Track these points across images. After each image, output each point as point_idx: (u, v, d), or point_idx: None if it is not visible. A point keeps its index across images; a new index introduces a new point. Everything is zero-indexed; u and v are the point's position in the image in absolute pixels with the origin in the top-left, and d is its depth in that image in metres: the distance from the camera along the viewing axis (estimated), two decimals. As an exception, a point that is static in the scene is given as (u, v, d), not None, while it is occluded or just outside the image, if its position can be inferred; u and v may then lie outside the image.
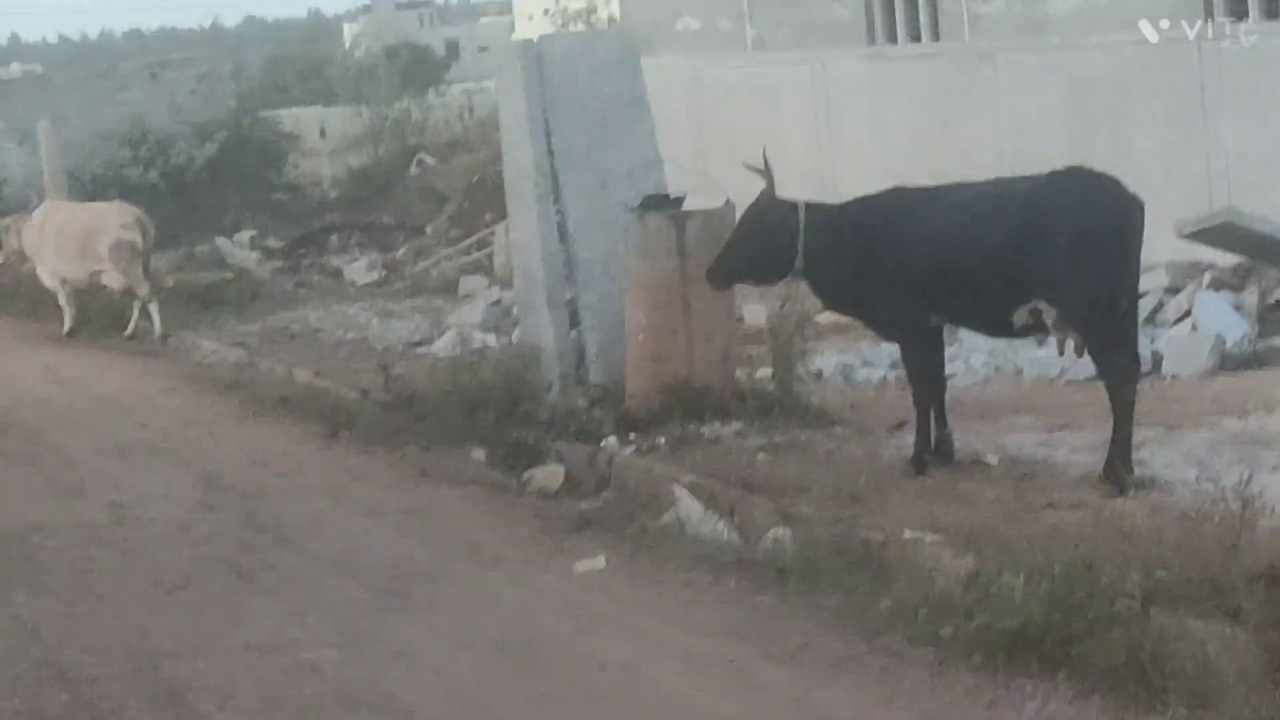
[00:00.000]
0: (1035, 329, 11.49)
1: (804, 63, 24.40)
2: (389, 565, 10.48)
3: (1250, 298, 15.74)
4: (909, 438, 12.54)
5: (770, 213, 11.84)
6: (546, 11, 51.12)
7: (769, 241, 11.84)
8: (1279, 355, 14.78)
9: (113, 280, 21.83)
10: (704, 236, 13.09)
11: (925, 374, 11.92)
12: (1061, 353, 11.59)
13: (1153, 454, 11.45)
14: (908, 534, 9.79)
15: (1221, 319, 15.01)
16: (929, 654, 7.90)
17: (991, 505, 10.54)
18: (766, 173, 11.84)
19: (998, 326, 11.86)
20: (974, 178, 12.00)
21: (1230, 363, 14.46)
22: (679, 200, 13.36)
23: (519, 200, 14.30)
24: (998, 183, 12.00)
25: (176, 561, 10.97)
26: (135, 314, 21.90)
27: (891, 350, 15.75)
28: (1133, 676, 7.18)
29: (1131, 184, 10.83)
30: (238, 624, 9.47)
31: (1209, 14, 19.30)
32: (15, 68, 49.69)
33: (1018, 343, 14.63)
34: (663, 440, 12.85)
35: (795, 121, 23.38)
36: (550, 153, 13.91)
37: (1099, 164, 16.90)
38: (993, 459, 11.91)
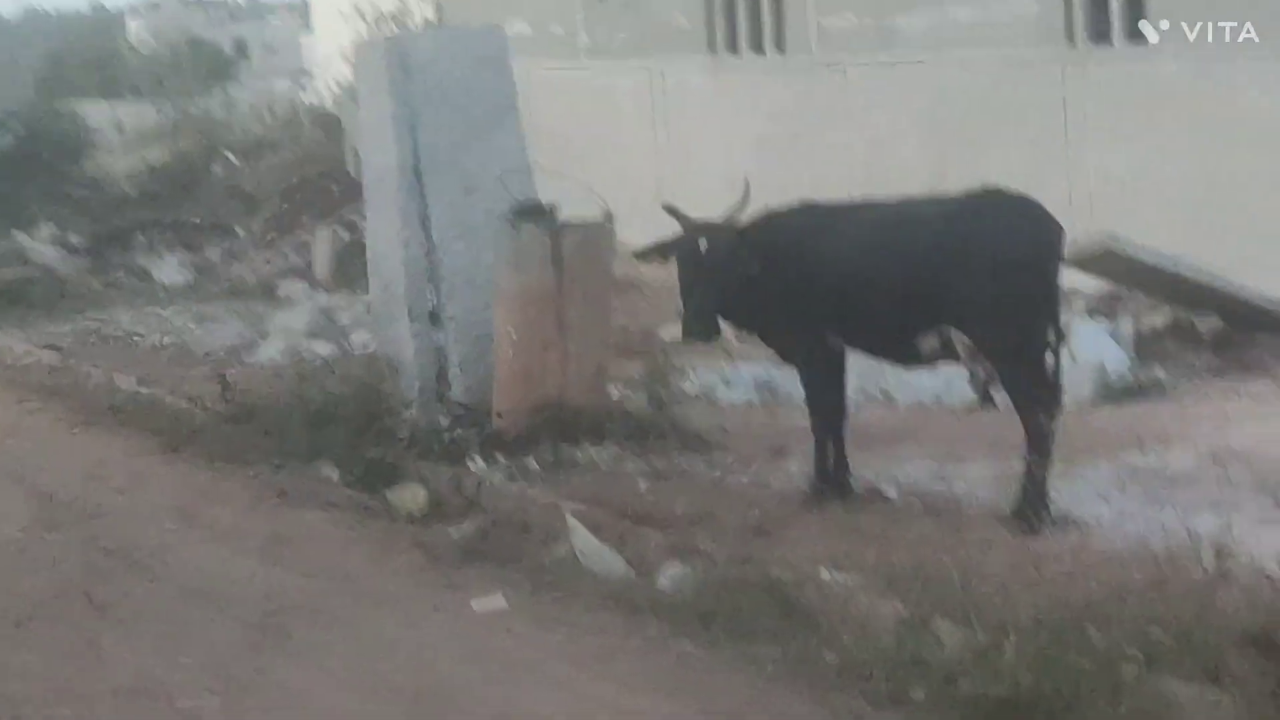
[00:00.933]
0: (944, 357, 10.83)
1: (642, 70, 23.79)
2: (261, 598, 9.47)
3: (1125, 326, 15.28)
4: (791, 465, 11.94)
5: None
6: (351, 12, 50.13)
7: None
8: (1160, 386, 14.37)
9: None
10: (582, 248, 12.36)
11: (825, 401, 11.19)
12: (985, 385, 10.90)
13: (1056, 490, 10.77)
14: (824, 574, 9.11)
15: (1100, 348, 14.58)
16: (894, 717, 7.14)
17: (903, 543, 9.88)
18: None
19: (904, 354, 11.11)
20: (821, 193, 11.23)
21: (1110, 393, 14.00)
22: (553, 209, 12.52)
23: (379, 205, 13.43)
24: (909, 201, 11.29)
25: (19, 588, 9.91)
26: None
27: (755, 372, 15.20)
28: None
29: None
30: (100, 664, 8.50)
31: (1071, 36, 18.90)
32: None
33: (886, 368, 14.13)
34: (534, 463, 12.04)
35: (632, 130, 22.78)
36: (416, 154, 13.01)
37: (956, 182, 16.63)
38: (892, 492, 11.24)
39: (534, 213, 12.49)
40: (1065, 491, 10.84)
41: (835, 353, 11.18)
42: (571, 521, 10.14)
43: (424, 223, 13.07)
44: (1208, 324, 15.25)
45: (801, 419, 13.43)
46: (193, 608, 9.41)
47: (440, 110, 13.08)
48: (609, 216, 12.53)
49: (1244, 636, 7.07)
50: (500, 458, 12.17)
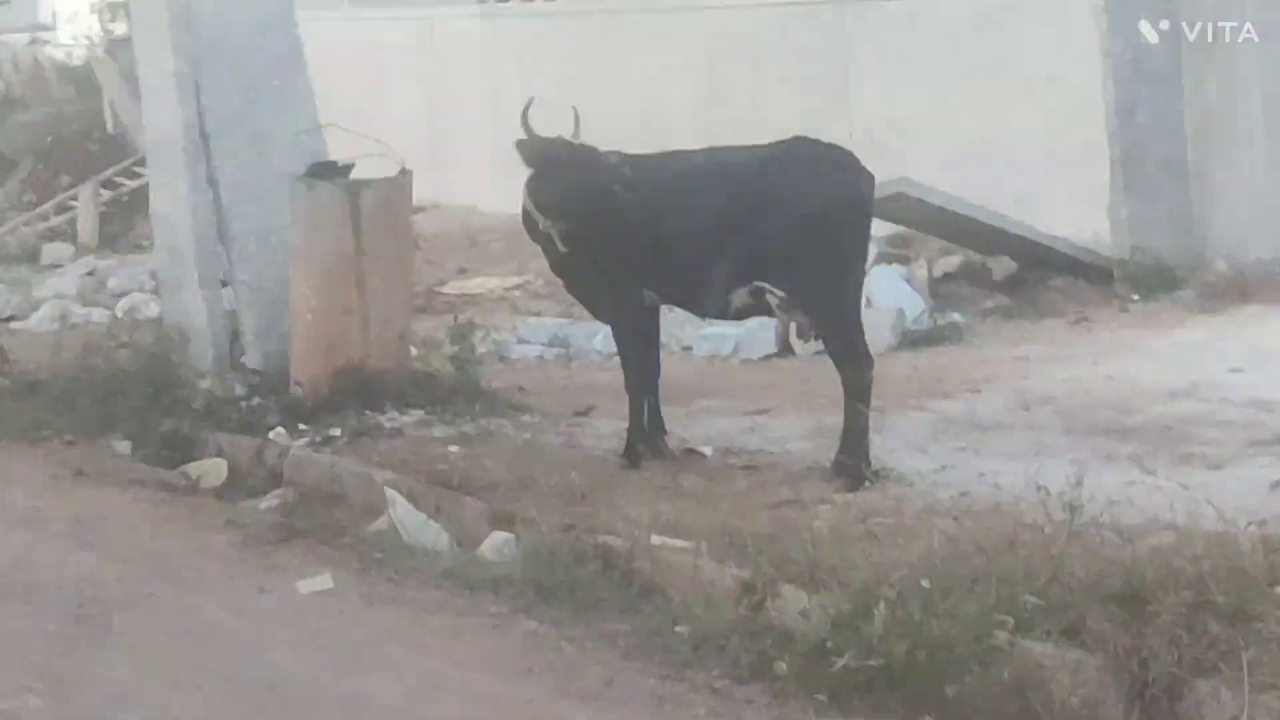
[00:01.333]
0: (757, 311, 10.65)
1: (410, 20, 23.40)
2: (73, 588, 8.90)
3: (920, 271, 15.27)
4: (599, 425, 11.76)
5: None
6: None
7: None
8: (957, 331, 14.38)
9: None
10: (381, 207, 12.00)
11: (638, 357, 10.93)
12: (786, 336, 10.71)
13: (871, 442, 10.65)
14: (655, 539, 8.87)
15: (897, 294, 14.51)
16: (759, 691, 6.90)
17: (727, 502, 9.67)
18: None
19: (715, 308, 10.89)
20: (598, 142, 10.92)
21: (909, 340, 13.95)
22: (348, 168, 12.14)
23: (162, 167, 12.92)
24: (715, 151, 11.04)
25: None
26: None
27: (547, 327, 14.98)
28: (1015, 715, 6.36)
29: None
30: None
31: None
32: None
33: (682, 318, 13.98)
34: (338, 431, 11.64)
35: (402, 81, 22.40)
36: (200, 114, 12.54)
37: (737, 126, 16.56)
38: (706, 449, 11.01)
39: (329, 172, 12.10)
40: (880, 443, 10.71)
41: (649, 308, 10.95)
42: (390, 493, 9.79)
43: (213, 185, 12.59)
44: (1000, 266, 15.25)
45: (600, 375, 13.34)
46: (5, 604, 8.92)
47: (225, 68, 12.60)
48: (406, 171, 12.17)
49: (1104, 593, 6.93)
50: (302, 427, 11.77)
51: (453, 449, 11.12)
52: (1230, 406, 11.30)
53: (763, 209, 10.20)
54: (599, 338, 14.83)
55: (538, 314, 15.95)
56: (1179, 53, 15.17)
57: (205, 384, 12.43)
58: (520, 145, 10.68)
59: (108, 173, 25.18)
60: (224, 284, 12.85)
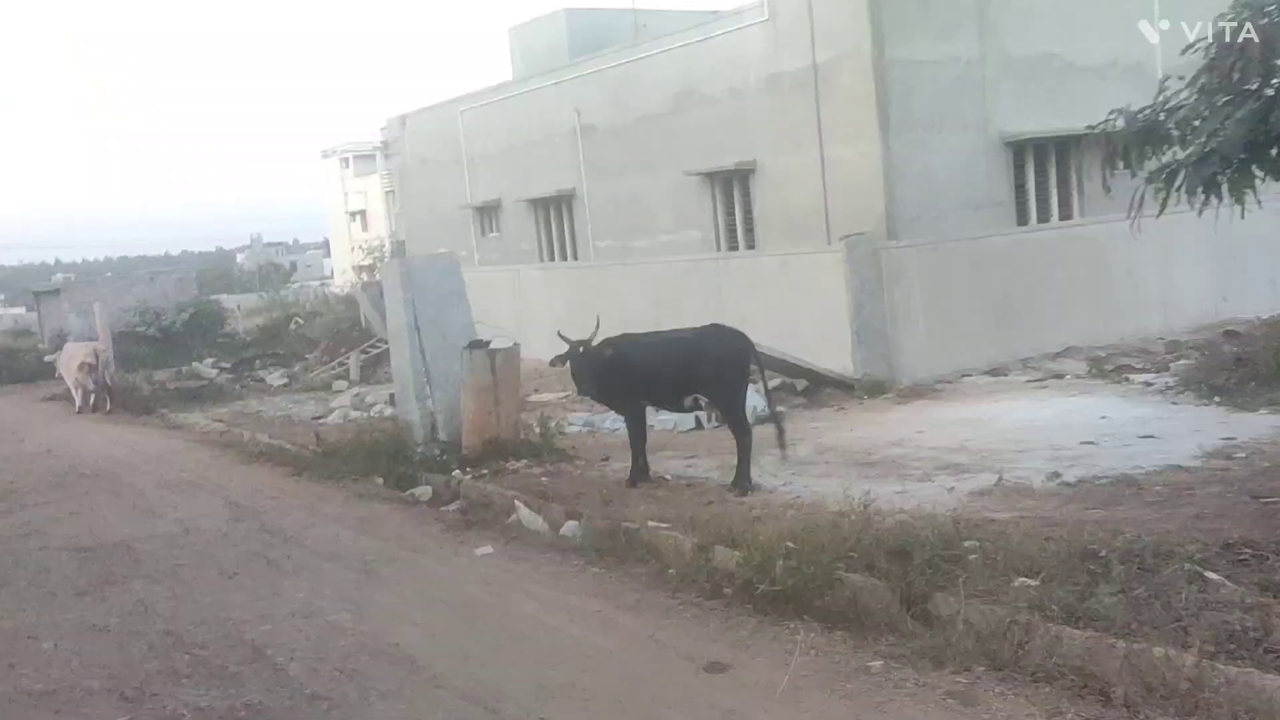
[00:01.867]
0: (695, 407, 10.28)
1: (508, 271, 23.05)
2: (360, 554, 8.48)
3: (761, 387, 14.73)
4: (614, 465, 11.23)
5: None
6: (353, 249, 49.31)
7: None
8: (781, 415, 13.55)
9: (85, 383, 21.07)
10: (506, 361, 11.58)
11: (638, 432, 10.42)
12: (708, 420, 10.29)
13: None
14: (651, 524, 8.35)
15: (752, 398, 13.80)
16: (718, 604, 6.45)
17: (683, 504, 9.19)
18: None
19: (675, 406, 10.57)
20: (604, 332, 10.57)
21: (758, 419, 13.06)
22: (488, 342, 11.78)
23: (397, 344, 12.52)
24: (676, 331, 10.66)
25: (228, 557, 8.78)
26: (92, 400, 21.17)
27: (583, 417, 14.46)
28: (849, 616, 5.89)
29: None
30: (280, 598, 7.46)
31: (719, 248, 18.62)
32: (58, 278, 48.18)
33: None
34: (486, 472, 11.05)
35: (505, 302, 21.97)
36: (415, 318, 12.10)
37: (666, 320, 16.16)
38: (668, 477, 10.46)
39: (479, 345, 11.68)
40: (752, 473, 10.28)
41: (641, 407, 10.50)
42: (517, 503, 9.32)
43: (422, 353, 12.13)
44: (799, 384, 14.84)
45: (611, 439, 12.79)
46: (324, 561, 8.38)
47: (427, 296, 12.21)
48: (516, 344, 11.79)
49: (886, 548, 6.46)
50: (469, 470, 11.18)
51: (543, 479, 10.60)
52: (922, 450, 10.90)
53: (698, 358, 9.84)
54: (609, 421, 14.37)
55: (575, 411, 15.42)
56: (883, 275, 14.89)
57: (420, 449, 11.92)
58: (562, 339, 10.38)
59: (363, 345, 24.81)
60: (427, 400, 12.28)
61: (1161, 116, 7.64)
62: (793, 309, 15.91)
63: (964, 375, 15.29)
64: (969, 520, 7.57)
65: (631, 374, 10.05)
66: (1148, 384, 13.09)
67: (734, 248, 18.51)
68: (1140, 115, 7.57)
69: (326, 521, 9.78)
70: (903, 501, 8.54)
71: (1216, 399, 11.82)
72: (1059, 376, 14.68)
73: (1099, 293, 16.67)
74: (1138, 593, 5.88)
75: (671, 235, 19.60)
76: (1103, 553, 6.44)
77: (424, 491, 10.94)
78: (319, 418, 17.70)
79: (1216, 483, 8.53)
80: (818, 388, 14.91)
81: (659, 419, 13.75)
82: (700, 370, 9.87)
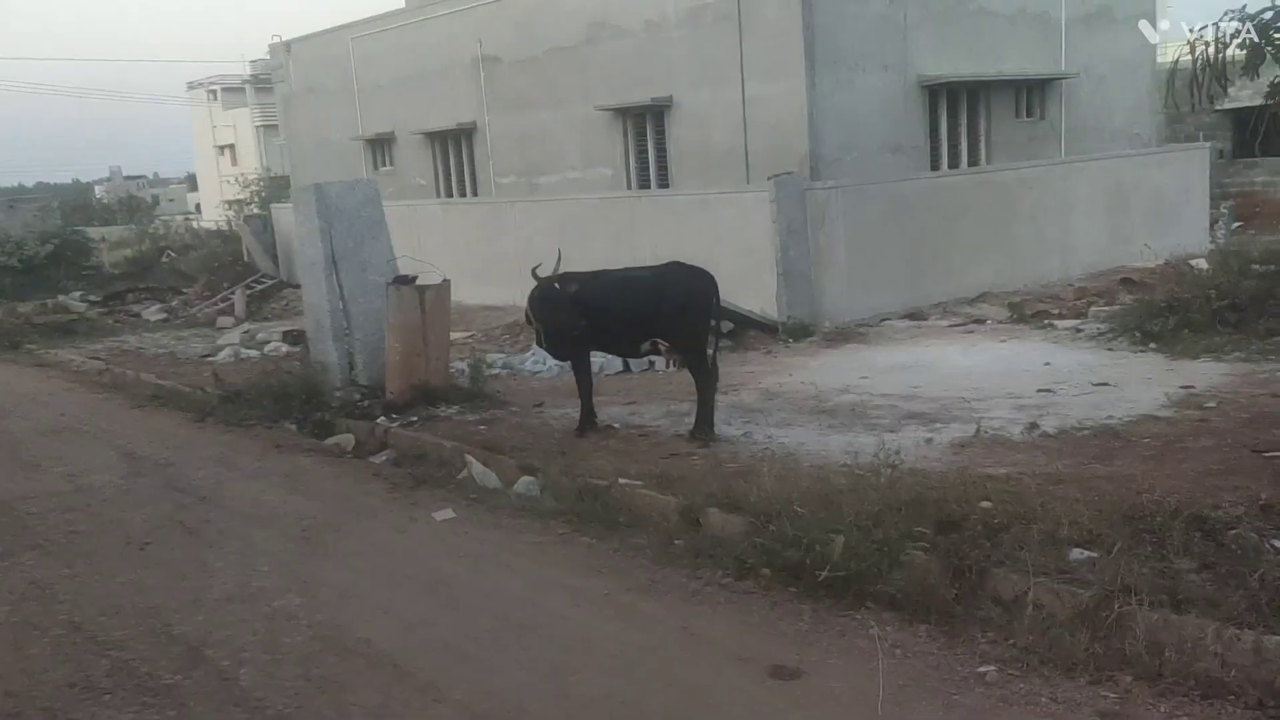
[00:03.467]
0: (653, 351, 8.99)
1: (403, 207, 21.17)
2: (295, 519, 6.88)
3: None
4: (552, 411, 9.96)
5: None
6: (222, 183, 45.88)
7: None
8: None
9: None
10: (435, 299, 10.06)
11: (586, 379, 9.14)
12: (666, 366, 9.03)
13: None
14: (622, 481, 7.15)
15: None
16: (753, 586, 5.17)
17: (642, 456, 8.00)
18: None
19: (632, 351, 9.24)
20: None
21: None
22: (415, 278, 10.19)
23: (312, 278, 10.76)
24: (628, 270, 9.30)
25: (134, 521, 7.08)
26: None
27: (500, 359, 13.09)
28: (921, 601, 4.75)
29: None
30: (209, 576, 5.90)
31: (629, 185, 17.27)
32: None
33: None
34: (416, 419, 9.63)
35: (399, 239, 20.16)
36: (333, 250, 10.44)
37: (572, 260, 14.88)
38: (616, 425, 9.21)
39: (406, 280, 10.13)
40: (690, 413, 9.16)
41: (588, 352, 9.22)
42: (468, 458, 7.92)
43: (340, 288, 10.51)
44: (725, 325, 13.69)
45: (535, 383, 11.54)
46: (253, 527, 6.78)
47: (344, 225, 10.55)
48: (447, 280, 10.26)
49: (937, 519, 5.37)
50: (394, 416, 9.72)
51: (481, 428, 9.25)
52: (874, 397, 9.90)
53: (658, 299, 8.58)
54: (528, 361, 13.02)
55: (488, 352, 13.97)
56: (808, 216, 13.83)
57: (338, 394, 10.37)
58: (535, 278, 8.97)
59: (247, 280, 22.77)
60: (346, 338, 10.67)
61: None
62: (711, 250, 14.65)
63: (883, 319, 14.42)
64: (971, 478, 6.65)
65: (587, 317, 8.74)
66: (1077, 330, 12.42)
67: (645, 186, 17.21)
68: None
69: (244, 477, 8.14)
70: (893, 457, 7.55)
71: (1152, 345, 11.18)
72: (980, 321, 13.94)
73: (1008, 239, 16.00)
74: (1217, 567, 5.00)
75: (580, 172, 18.17)
76: (1157, 517, 5.54)
77: (345, 440, 9.46)
78: (208, 356, 15.80)
79: (1204, 435, 7.76)
80: (742, 330, 13.81)
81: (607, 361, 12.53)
82: (663, 311, 8.59)
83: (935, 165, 16.18)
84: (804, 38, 14.21)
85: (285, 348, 15.61)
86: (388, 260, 10.74)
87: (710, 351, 8.73)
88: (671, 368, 9.02)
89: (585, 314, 8.59)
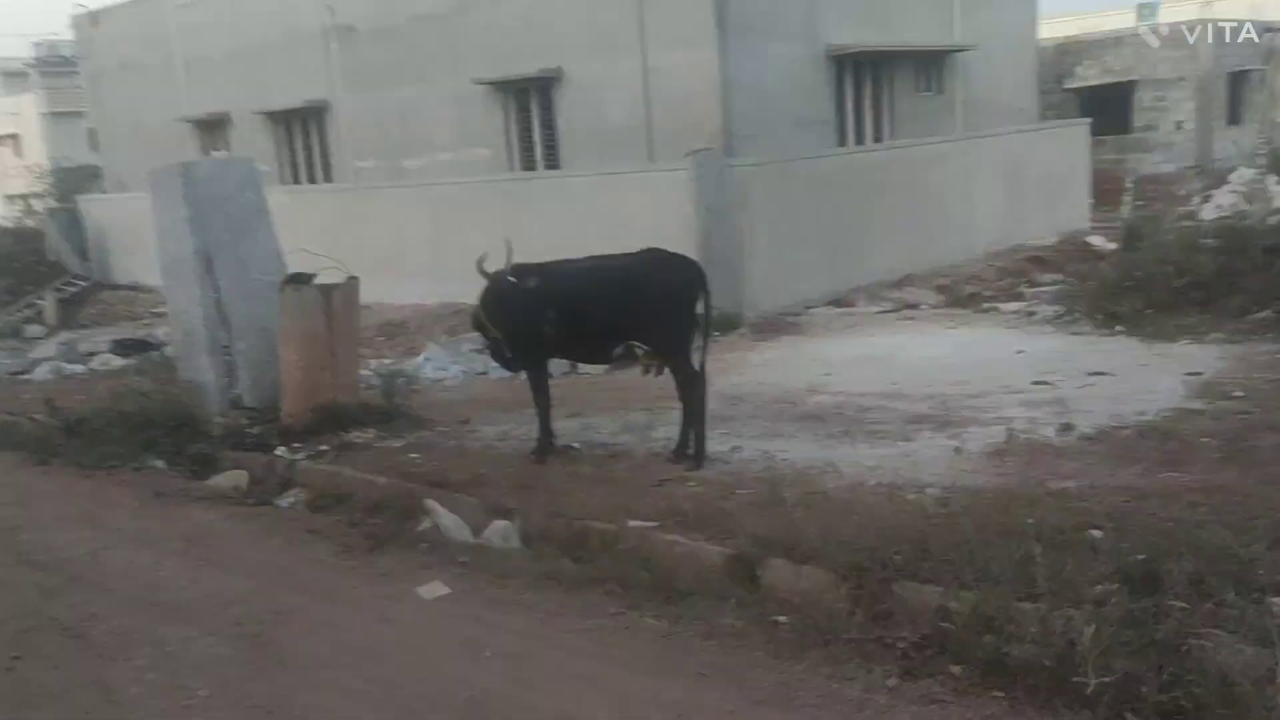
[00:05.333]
0: (626, 356, 7.48)
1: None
2: (221, 606, 4.95)
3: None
4: (484, 430, 8.38)
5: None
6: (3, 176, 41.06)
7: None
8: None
9: None
10: (344, 302, 8.27)
11: (545, 394, 7.53)
12: (645, 373, 7.52)
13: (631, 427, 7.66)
14: (631, 523, 5.71)
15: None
16: (939, 689, 3.69)
17: (627, 486, 6.58)
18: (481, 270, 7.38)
19: (602, 356, 7.68)
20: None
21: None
22: (312, 276, 8.33)
23: (179, 278, 8.71)
24: (597, 259, 7.70)
25: (-12, 620, 5.06)
26: None
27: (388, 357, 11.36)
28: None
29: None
30: (124, 714, 4.04)
31: (512, 166, 15.64)
32: None
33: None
34: (326, 448, 7.84)
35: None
36: (205, 244, 8.50)
37: (450, 251, 13.39)
38: (576, 446, 7.68)
39: (303, 279, 8.28)
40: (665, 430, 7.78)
41: (546, 359, 7.67)
42: (430, 503, 6.21)
43: (215, 290, 8.55)
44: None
45: (441, 395, 9.95)
46: (162, 624, 4.82)
47: (220, 213, 8.61)
48: (355, 278, 8.46)
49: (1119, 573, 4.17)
50: (295, 445, 7.92)
51: (413, 456, 7.58)
52: (852, 398, 8.74)
53: (641, 294, 7.08)
54: (426, 368, 11.34)
55: (377, 357, 12.13)
56: (731, 199, 12.58)
57: (219, 419, 8.45)
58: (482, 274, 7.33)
59: (56, 284, 19.87)
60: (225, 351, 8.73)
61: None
62: (617, 236, 13.02)
63: (808, 306, 13.36)
64: (1056, 498, 5.56)
65: (550, 316, 7.19)
66: (1029, 314, 11.63)
67: (530, 168, 15.61)
68: None
69: (126, 542, 6.11)
70: (916, 471, 6.41)
71: (1119, 328, 10.45)
72: (913, 306, 13.06)
73: (920, 219, 15.21)
74: None
75: (453, 154, 16.40)
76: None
77: (235, 478, 7.61)
78: (22, 373, 13.32)
79: (1261, 430, 6.90)
80: (663, 324, 12.48)
81: (489, 364, 10.93)
82: (643, 308, 7.12)
83: (842, 141, 15.22)
84: (715, 3, 12.93)
85: (118, 360, 13.33)
86: (272, 253, 8.86)
87: (699, 355, 7.33)
88: (651, 374, 7.53)
89: (546, 314, 7.07)
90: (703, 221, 12.36)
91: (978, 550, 4.55)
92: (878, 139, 15.84)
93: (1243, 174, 21.80)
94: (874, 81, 15.70)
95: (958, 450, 6.98)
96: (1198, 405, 7.63)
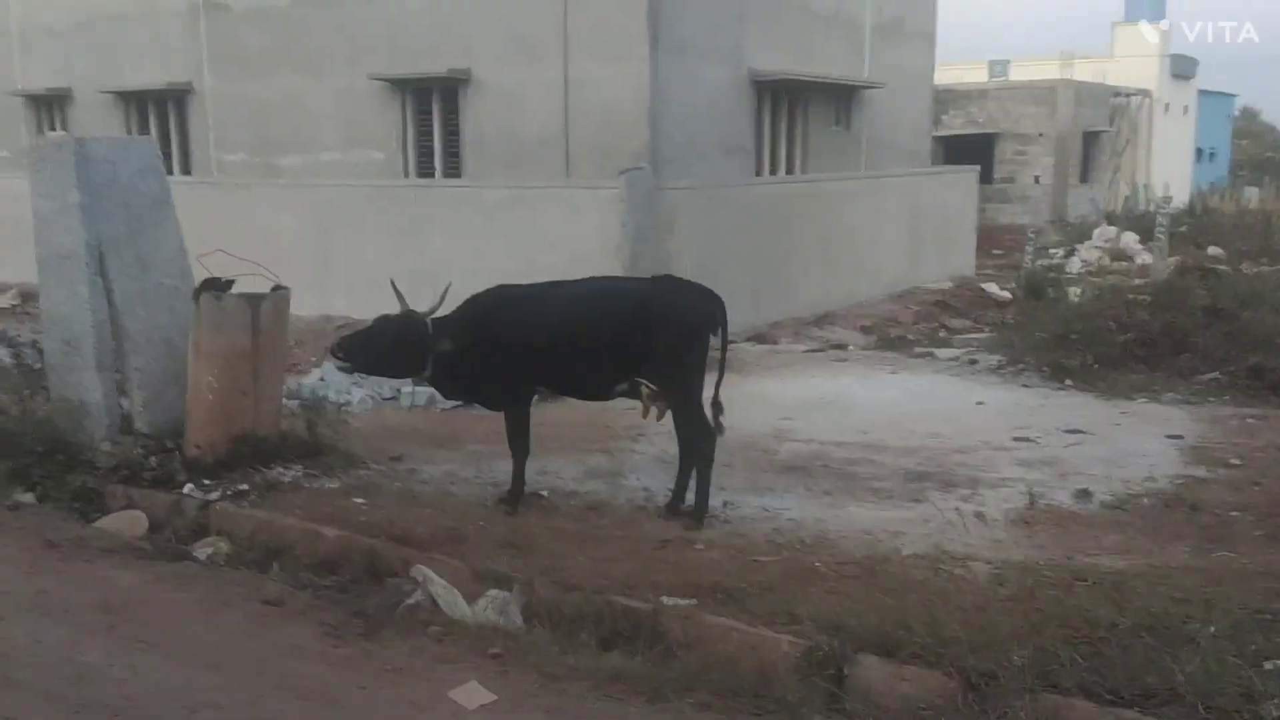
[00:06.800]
0: (629, 394, 6.56)
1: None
2: (180, 712, 3.72)
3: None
4: (424, 469, 7.37)
5: (409, 327, 6.27)
6: None
7: (405, 349, 6.29)
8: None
9: None
10: (273, 314, 7.04)
11: (524, 435, 6.55)
12: (646, 416, 6.62)
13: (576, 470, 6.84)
14: (668, 601, 4.84)
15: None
16: None
17: (619, 544, 5.78)
18: (399, 294, 6.37)
19: (601, 393, 6.71)
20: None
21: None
22: (230, 283, 7.05)
23: (60, 277, 7.16)
24: (594, 282, 6.78)
25: None
26: None
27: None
28: None
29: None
30: None
31: (406, 173, 14.44)
32: None
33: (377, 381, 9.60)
34: (246, 487, 6.62)
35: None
36: (98, 238, 7.08)
37: (337, 261, 12.28)
38: (545, 494, 6.75)
39: (220, 285, 6.98)
40: (638, 480, 6.98)
41: (529, 398, 6.66)
42: (423, 571, 5.08)
43: (107, 294, 7.14)
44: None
45: (361, 425, 8.68)
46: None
47: (115, 203, 7.20)
48: (284, 287, 7.23)
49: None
50: (206, 482, 6.65)
51: (358, 501, 6.45)
52: (833, 448, 8.10)
53: (651, 324, 6.27)
54: (329, 391, 10.06)
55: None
56: (661, 224, 11.81)
57: (106, 447, 7.04)
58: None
59: None
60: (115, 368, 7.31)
61: None
62: (530, 258, 12.33)
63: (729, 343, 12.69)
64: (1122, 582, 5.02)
65: (532, 348, 6.24)
66: (971, 361, 11.29)
67: (427, 175, 14.44)
68: None
69: (25, 612, 4.66)
70: (943, 539, 5.83)
71: (1068, 382, 10.20)
72: (840, 347, 12.58)
73: (831, 256, 14.85)
74: None
75: (339, 154, 15.05)
76: None
77: (129, 520, 6.34)
78: None
79: (1283, 503, 6.62)
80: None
81: (387, 389, 9.82)
82: (654, 340, 6.25)
83: (759, 171, 14.72)
84: (649, 14, 12.19)
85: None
86: (177, 251, 7.50)
87: (715, 398, 6.51)
88: (651, 416, 6.62)
89: (527, 346, 6.17)
90: (631, 246, 11.54)
91: (1117, 655, 3.95)
92: (789, 170, 15.43)
93: (1106, 231, 22.63)
94: (789, 112, 15.30)
95: (978, 516, 6.42)
96: (1201, 473, 7.33)
